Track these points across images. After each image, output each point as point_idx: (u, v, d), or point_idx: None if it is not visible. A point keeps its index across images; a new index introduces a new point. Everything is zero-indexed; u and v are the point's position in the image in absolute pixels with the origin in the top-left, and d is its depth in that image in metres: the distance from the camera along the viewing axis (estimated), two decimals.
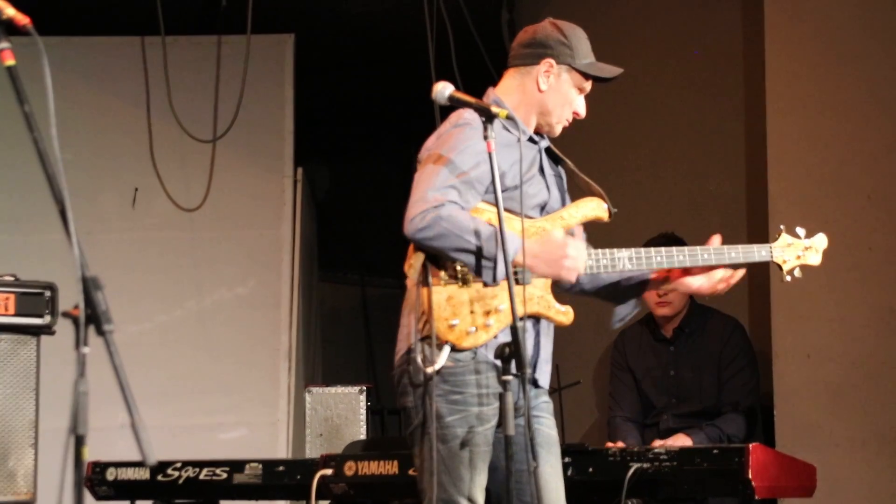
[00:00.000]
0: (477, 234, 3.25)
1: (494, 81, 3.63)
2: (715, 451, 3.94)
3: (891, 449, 5.02)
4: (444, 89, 3.30)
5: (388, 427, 7.96)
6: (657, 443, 4.86)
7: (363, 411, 5.50)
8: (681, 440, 4.92)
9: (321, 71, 8.22)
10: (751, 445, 3.88)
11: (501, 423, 3.34)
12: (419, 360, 3.32)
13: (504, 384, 3.16)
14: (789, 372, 5.26)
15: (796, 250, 3.70)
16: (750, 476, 3.83)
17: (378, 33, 8.11)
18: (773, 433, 5.23)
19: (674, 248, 3.55)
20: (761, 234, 5.51)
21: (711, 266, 3.62)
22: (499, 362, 3.28)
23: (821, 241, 3.74)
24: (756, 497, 3.89)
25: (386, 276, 10.03)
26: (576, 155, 3.73)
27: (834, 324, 5.15)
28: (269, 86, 7.22)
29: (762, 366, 5.32)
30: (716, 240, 3.62)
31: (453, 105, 3.35)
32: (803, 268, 3.71)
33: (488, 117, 3.23)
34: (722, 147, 6.10)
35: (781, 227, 3.72)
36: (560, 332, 3.60)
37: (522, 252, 3.28)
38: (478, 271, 3.28)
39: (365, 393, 5.52)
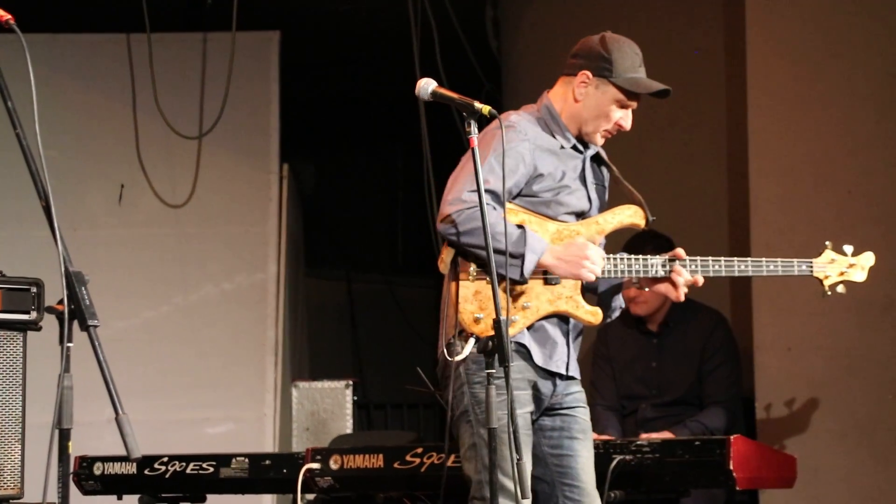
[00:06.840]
0: (504, 234, 3.33)
1: (479, 78, 3.66)
2: (697, 443, 3.98)
3: (870, 440, 5.07)
4: (427, 85, 3.34)
5: (375, 421, 7.99)
6: (643, 436, 4.89)
7: (349, 405, 5.51)
8: (664, 436, 4.94)
9: (307, 68, 8.24)
10: (732, 437, 3.92)
11: (536, 411, 3.51)
12: (448, 352, 3.42)
13: (489, 377, 3.18)
14: (770, 364, 5.29)
15: (840, 266, 3.75)
16: (731, 467, 3.87)
17: (363, 30, 8.13)
18: (755, 425, 5.27)
19: (709, 258, 3.61)
20: (742, 228, 5.54)
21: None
22: (532, 350, 3.45)
23: (867, 259, 3.78)
24: (737, 488, 3.94)
25: (371, 272, 10.05)
26: None
27: (815, 317, 5.18)
28: (255, 82, 7.22)
29: (744, 359, 5.35)
30: (680, 252, 3.63)
31: (436, 101, 3.38)
32: (847, 284, 3.76)
33: (470, 112, 3.24)
34: (703, 142, 6.13)
35: (827, 243, 3.76)
36: None
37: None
38: (503, 268, 3.34)
39: (351, 387, 5.53)
